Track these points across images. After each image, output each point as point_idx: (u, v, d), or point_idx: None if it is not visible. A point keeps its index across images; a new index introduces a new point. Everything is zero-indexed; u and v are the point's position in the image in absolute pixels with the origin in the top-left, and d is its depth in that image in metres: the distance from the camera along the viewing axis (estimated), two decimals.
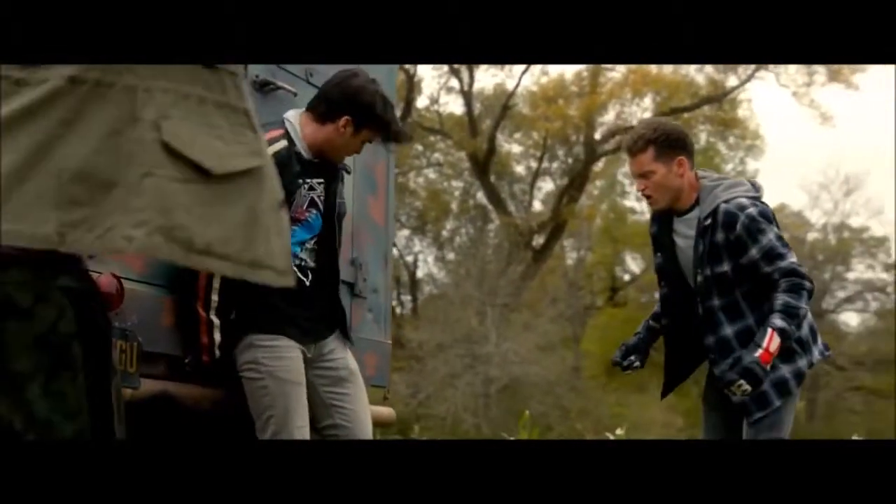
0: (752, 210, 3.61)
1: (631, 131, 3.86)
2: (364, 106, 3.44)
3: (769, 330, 3.51)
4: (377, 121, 3.47)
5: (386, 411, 4.11)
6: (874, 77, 23.71)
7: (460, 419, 17.59)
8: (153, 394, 3.17)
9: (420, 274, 21.04)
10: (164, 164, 1.54)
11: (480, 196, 22.48)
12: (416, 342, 18.02)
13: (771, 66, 22.75)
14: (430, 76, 22.10)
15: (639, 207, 24.55)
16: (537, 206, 23.03)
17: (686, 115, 23.19)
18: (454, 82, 22.43)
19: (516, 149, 23.58)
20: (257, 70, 3.72)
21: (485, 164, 21.93)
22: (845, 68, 22.47)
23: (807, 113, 27.95)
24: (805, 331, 3.66)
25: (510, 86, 22.82)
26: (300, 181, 3.44)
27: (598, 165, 23.33)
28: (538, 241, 21.85)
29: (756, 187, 3.76)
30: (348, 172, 3.69)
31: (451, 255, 21.98)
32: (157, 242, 1.50)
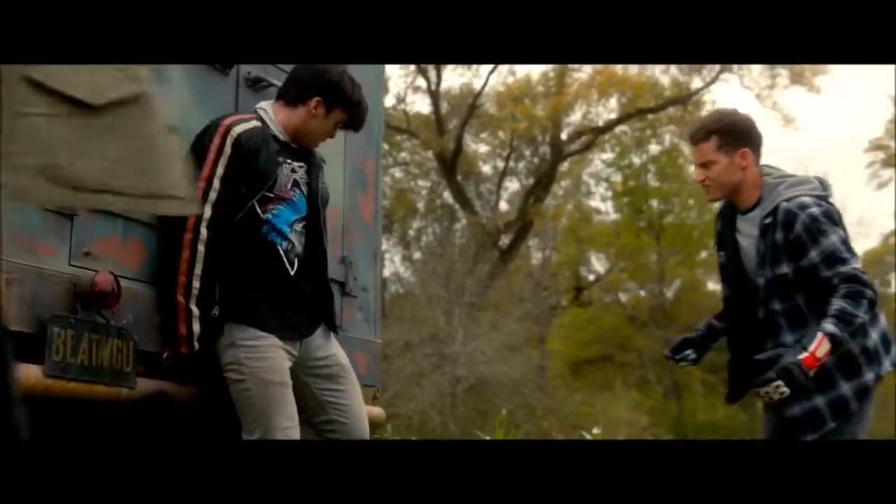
0: (814, 210, 3.44)
1: (697, 119, 3.74)
2: (333, 85, 3.47)
3: (819, 334, 3.30)
4: (347, 100, 3.49)
5: (376, 411, 4.09)
6: (836, 80, 24.04)
7: (427, 418, 17.58)
8: (148, 393, 3.13)
9: (386, 273, 21.02)
10: (35, 100, 1.41)
11: (447, 195, 22.51)
12: (384, 341, 17.98)
13: (735, 68, 23.00)
14: (396, 75, 22.03)
15: (603, 208, 24.75)
16: (504, 205, 23.11)
17: (651, 115, 23.40)
18: (421, 81, 22.43)
19: (483, 148, 23.65)
20: (249, 67, 3.70)
21: (451, 163, 21.95)
22: (807, 71, 22.76)
23: (770, 115, 28.22)
24: (874, 339, 3.45)
25: (477, 85, 22.87)
26: (280, 159, 3.43)
27: (564, 165, 23.47)
28: (505, 240, 21.93)
29: (824, 185, 3.59)
30: (323, 162, 3.67)
31: (417, 255, 22.00)
32: (38, 187, 1.38)
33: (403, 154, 22.25)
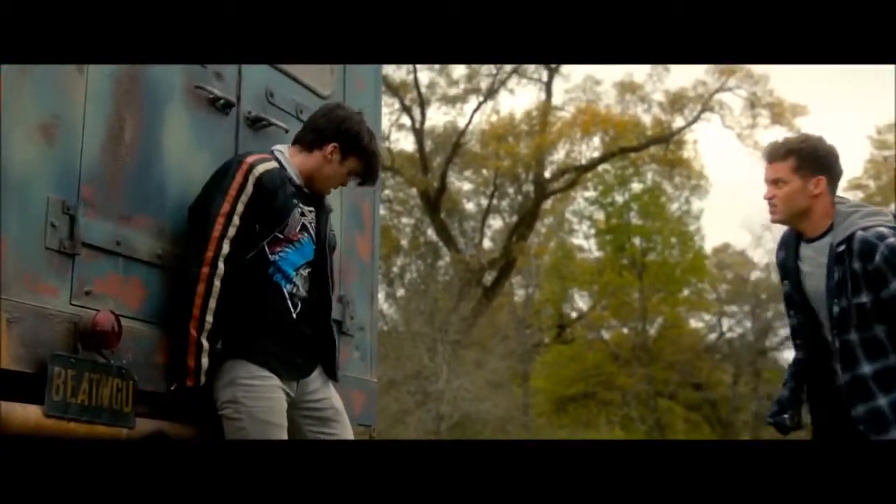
0: (893, 240, 3.37)
1: (777, 139, 3.66)
2: (351, 133, 3.53)
3: None
4: (363, 149, 3.55)
5: None
6: (815, 120, 24.35)
7: None
8: (148, 433, 3.10)
9: None
10: None
11: (431, 233, 22.57)
12: None
13: (716, 108, 23.25)
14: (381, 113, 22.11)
15: (586, 245, 24.84)
16: (487, 243, 23.17)
17: (633, 154, 23.59)
18: (405, 119, 22.55)
19: (467, 186, 23.75)
20: (249, 107, 3.71)
21: (435, 200, 22.03)
22: (787, 111, 23.06)
23: (750, 154, 28.50)
24: None
25: (461, 124, 23.01)
26: (294, 201, 3.46)
27: (547, 203, 23.60)
28: (488, 278, 21.96)
29: None
30: (331, 210, 3.69)
31: (401, 292, 21.97)
32: None
33: (387, 191, 22.30)
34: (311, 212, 3.53)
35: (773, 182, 3.56)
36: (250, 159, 3.41)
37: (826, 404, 3.55)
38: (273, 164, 3.45)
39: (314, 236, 3.52)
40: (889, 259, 3.36)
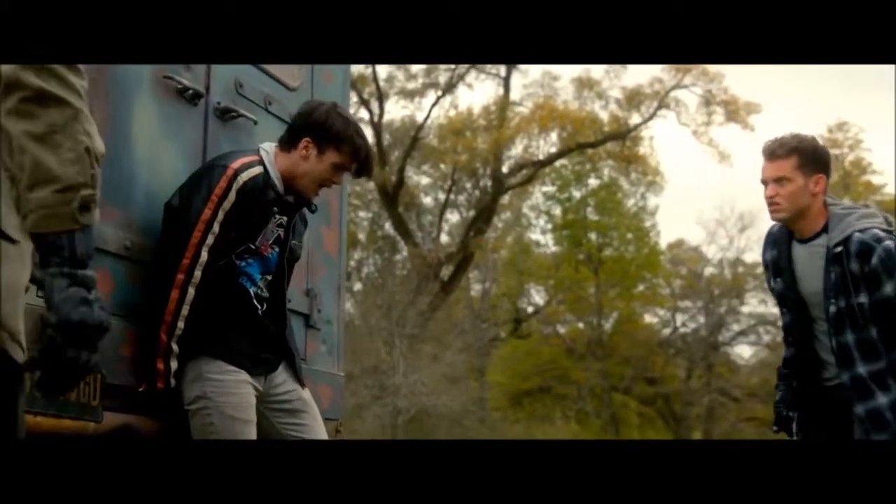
0: (889, 243, 3.44)
1: (775, 138, 3.64)
2: (319, 124, 3.38)
3: None
4: (338, 137, 3.38)
5: None
6: (769, 118, 24.68)
7: None
8: (115, 427, 3.07)
9: None
10: None
11: (388, 227, 22.55)
12: None
13: (672, 105, 23.48)
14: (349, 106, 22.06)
15: (543, 240, 24.98)
16: (445, 237, 23.21)
17: (590, 150, 23.75)
18: (364, 113, 22.49)
19: (424, 180, 23.76)
20: (218, 98, 3.67)
21: (393, 195, 22.02)
22: (741, 109, 23.34)
23: (706, 151, 28.84)
24: None
25: (419, 118, 23.02)
26: (273, 209, 3.39)
27: (505, 198, 23.68)
28: (445, 272, 22.00)
29: (888, 221, 3.56)
30: (314, 211, 3.59)
31: (358, 286, 21.93)
32: None
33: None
34: (286, 221, 3.45)
35: (777, 180, 3.56)
36: (236, 164, 3.31)
37: (816, 400, 3.61)
38: (258, 170, 3.34)
39: (280, 248, 3.45)
40: (885, 261, 3.43)
